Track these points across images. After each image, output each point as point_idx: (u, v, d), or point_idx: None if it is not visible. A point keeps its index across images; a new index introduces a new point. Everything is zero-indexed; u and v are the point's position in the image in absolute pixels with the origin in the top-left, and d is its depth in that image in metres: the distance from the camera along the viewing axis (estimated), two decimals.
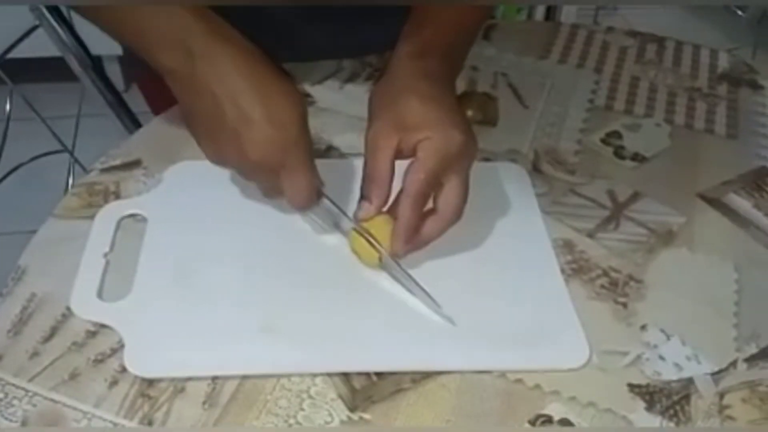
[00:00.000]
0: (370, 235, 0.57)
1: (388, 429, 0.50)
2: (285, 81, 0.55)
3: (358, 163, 0.59)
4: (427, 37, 0.62)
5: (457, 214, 0.57)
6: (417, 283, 0.56)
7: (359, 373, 0.53)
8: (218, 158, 0.57)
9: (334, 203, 0.59)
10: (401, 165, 0.57)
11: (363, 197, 0.57)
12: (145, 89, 0.92)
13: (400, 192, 0.56)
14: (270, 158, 0.54)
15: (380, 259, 0.57)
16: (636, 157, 0.73)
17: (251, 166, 0.56)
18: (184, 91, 0.55)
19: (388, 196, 0.57)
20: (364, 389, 0.52)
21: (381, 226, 0.57)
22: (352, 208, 0.59)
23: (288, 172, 0.55)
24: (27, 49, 0.86)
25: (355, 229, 0.58)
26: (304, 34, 0.79)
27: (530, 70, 0.83)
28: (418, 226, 0.56)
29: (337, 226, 0.61)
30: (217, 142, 0.55)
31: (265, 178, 0.58)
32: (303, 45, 0.79)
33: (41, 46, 0.86)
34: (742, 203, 0.69)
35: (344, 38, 0.80)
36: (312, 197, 0.58)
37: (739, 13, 1.73)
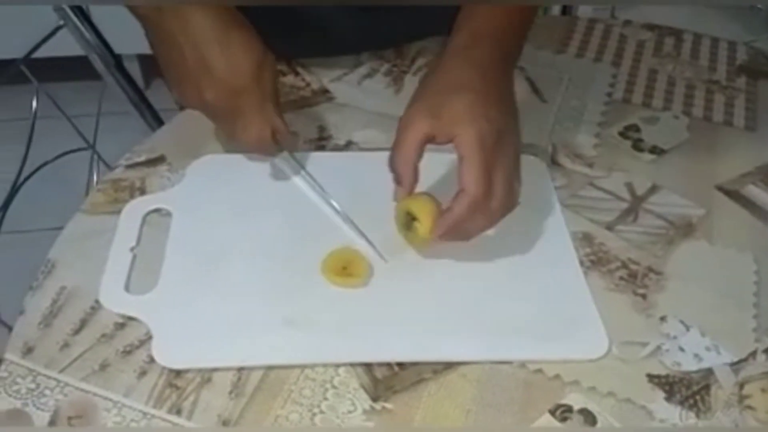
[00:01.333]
0: (411, 210, 0.58)
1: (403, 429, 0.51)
2: (246, 33, 0.61)
3: (376, 158, 0.60)
4: (476, 27, 0.63)
5: (506, 207, 0.56)
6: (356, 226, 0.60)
7: (381, 364, 0.53)
8: (183, 100, 0.63)
9: (294, 158, 0.65)
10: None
11: (395, 179, 0.58)
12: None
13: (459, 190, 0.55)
14: (223, 101, 0.60)
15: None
16: (654, 150, 0.73)
17: (210, 109, 0.62)
18: (155, 37, 0.62)
19: (416, 176, 0.57)
20: (386, 379, 0.53)
21: (422, 206, 0.57)
22: (372, 202, 0.60)
23: (242, 117, 0.61)
24: (49, 49, 0.88)
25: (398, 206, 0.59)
26: (322, 28, 0.79)
27: (548, 64, 0.84)
28: (470, 221, 0.56)
29: (303, 181, 0.66)
30: (181, 85, 0.62)
31: (222, 121, 0.64)
32: (321, 39, 0.80)
33: (62, 45, 0.88)
34: (761, 195, 0.69)
35: (363, 32, 0.81)
36: (264, 143, 0.62)
37: (758, 6, 1.72)
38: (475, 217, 0.56)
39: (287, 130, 0.64)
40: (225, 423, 0.50)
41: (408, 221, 0.58)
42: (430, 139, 0.57)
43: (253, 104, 0.61)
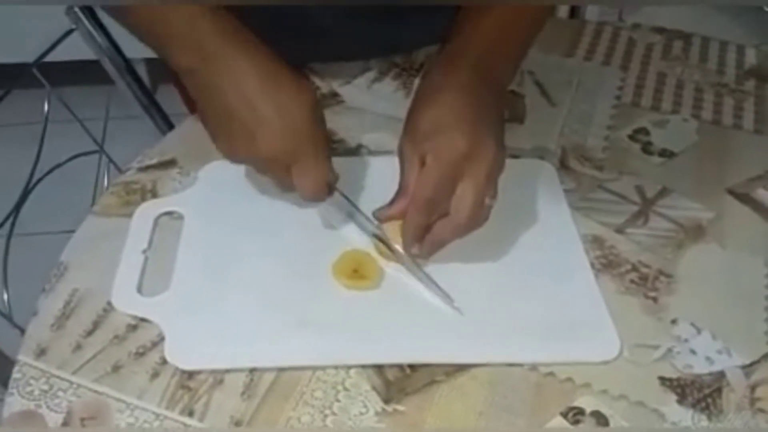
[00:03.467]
0: (386, 237, 0.59)
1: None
2: (295, 78, 0.58)
3: (386, 161, 0.60)
4: (460, 44, 0.62)
5: (469, 219, 0.56)
6: (426, 275, 0.58)
7: (393, 366, 0.54)
8: (232, 155, 0.59)
9: (345, 197, 0.61)
10: None
11: (390, 203, 0.58)
12: (182, 87, 0.94)
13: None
14: (280, 153, 0.57)
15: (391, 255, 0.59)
16: (664, 153, 0.73)
17: (263, 162, 0.58)
18: (199, 91, 0.58)
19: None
20: (398, 381, 0.53)
21: (397, 228, 0.58)
22: (378, 206, 0.60)
23: (298, 166, 0.57)
24: (60, 52, 0.88)
25: (374, 233, 0.59)
26: (332, 34, 0.80)
27: (556, 67, 0.84)
28: (426, 228, 0.57)
29: (351, 219, 0.62)
30: (230, 140, 0.58)
31: (277, 172, 0.60)
32: (331, 45, 0.81)
33: (71, 48, 0.88)
34: None
35: (372, 38, 0.81)
36: (322, 191, 0.59)
37: (766, 9, 1.71)
38: (437, 228, 0.56)
39: (337, 175, 0.61)
40: (237, 424, 0.50)
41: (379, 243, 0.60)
42: (421, 162, 0.57)
43: (309, 153, 0.57)
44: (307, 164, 0.57)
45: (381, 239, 0.59)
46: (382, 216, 0.59)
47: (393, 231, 0.59)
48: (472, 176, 0.56)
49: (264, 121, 0.55)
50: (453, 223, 0.57)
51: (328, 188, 0.60)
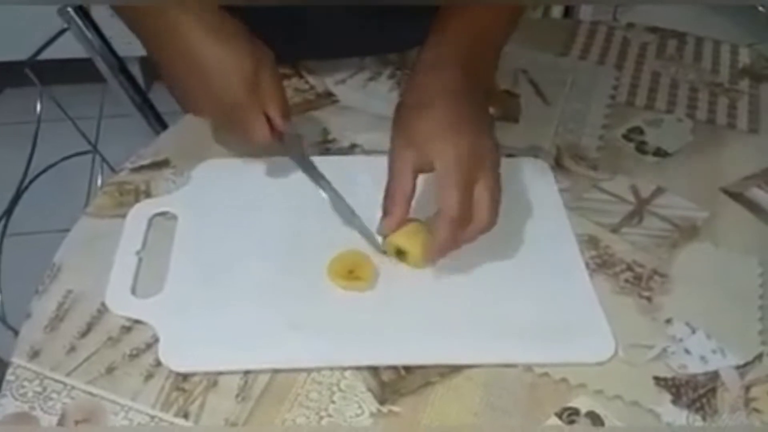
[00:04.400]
0: (399, 246, 0.58)
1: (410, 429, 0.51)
2: (239, 41, 0.61)
3: (381, 161, 0.60)
4: (443, 46, 0.62)
5: (490, 222, 0.57)
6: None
7: (388, 367, 0.53)
8: (196, 110, 0.64)
9: (306, 157, 0.65)
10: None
11: (384, 214, 0.58)
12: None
13: (438, 210, 0.56)
14: (220, 113, 0.62)
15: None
16: (658, 153, 0.73)
17: (220, 112, 0.62)
18: (162, 55, 0.62)
19: (407, 211, 0.57)
20: (393, 383, 0.53)
21: (410, 235, 0.58)
22: (376, 205, 0.60)
23: (237, 122, 0.62)
24: (52, 51, 0.88)
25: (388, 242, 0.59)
26: (327, 32, 0.80)
27: (551, 67, 0.84)
28: (456, 242, 0.56)
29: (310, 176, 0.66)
30: (191, 96, 0.63)
31: (223, 126, 0.65)
32: (326, 43, 0.80)
33: (64, 47, 0.88)
34: (765, 197, 0.69)
35: (366, 37, 0.81)
36: (264, 146, 0.63)
37: (760, 8, 1.72)
38: (458, 235, 0.56)
39: (290, 131, 0.64)
40: (232, 426, 0.50)
41: (399, 252, 0.59)
42: (418, 170, 0.57)
43: (249, 113, 0.61)
44: (249, 124, 0.61)
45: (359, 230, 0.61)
46: (387, 230, 0.58)
47: (397, 237, 0.58)
48: (485, 179, 0.56)
49: (205, 81, 0.60)
50: (476, 228, 0.56)
51: (278, 144, 0.63)
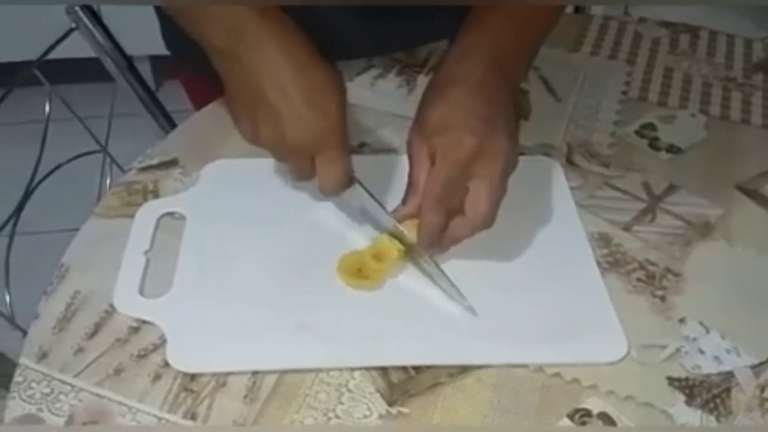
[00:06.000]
0: (402, 233, 0.58)
1: (422, 427, 0.50)
2: (328, 67, 0.56)
3: (390, 160, 0.60)
4: (472, 40, 0.61)
5: (485, 219, 0.56)
6: (443, 272, 0.57)
7: (397, 368, 0.53)
8: (255, 139, 0.58)
9: (366, 189, 0.59)
10: None
11: (403, 201, 0.58)
12: (188, 85, 0.94)
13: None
14: (307, 141, 0.55)
15: (405, 253, 0.58)
16: (671, 149, 0.72)
17: (287, 148, 0.56)
18: (229, 72, 0.57)
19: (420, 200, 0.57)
20: (402, 383, 0.52)
21: (411, 227, 0.57)
22: (386, 205, 0.59)
23: (323, 157, 0.56)
24: (61, 51, 0.88)
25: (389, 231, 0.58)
26: (334, 33, 0.79)
27: (562, 62, 0.83)
28: (442, 227, 0.56)
29: (364, 216, 0.62)
30: (256, 123, 0.56)
31: (299, 160, 0.58)
32: (333, 44, 0.80)
33: (73, 47, 0.88)
34: None
35: (374, 37, 0.80)
36: (343, 183, 0.58)
37: None
38: (451, 226, 0.56)
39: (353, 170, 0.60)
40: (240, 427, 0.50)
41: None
42: (432, 158, 0.56)
43: (337, 144, 0.56)
44: (332, 156, 0.56)
45: (396, 236, 0.58)
46: (398, 216, 0.58)
47: (408, 229, 0.58)
48: (486, 175, 0.55)
49: (294, 108, 0.54)
50: (469, 223, 0.56)
51: (348, 181, 0.58)
